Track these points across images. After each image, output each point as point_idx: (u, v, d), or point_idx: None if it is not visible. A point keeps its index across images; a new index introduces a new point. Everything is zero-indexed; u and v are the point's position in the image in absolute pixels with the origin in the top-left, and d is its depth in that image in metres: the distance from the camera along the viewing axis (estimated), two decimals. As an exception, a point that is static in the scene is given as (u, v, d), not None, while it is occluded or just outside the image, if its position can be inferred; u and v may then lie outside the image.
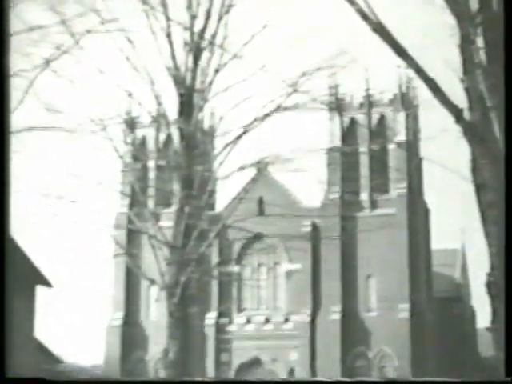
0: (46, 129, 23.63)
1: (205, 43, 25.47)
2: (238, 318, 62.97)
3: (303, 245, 57.09)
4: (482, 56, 12.85)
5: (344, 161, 61.47)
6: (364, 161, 62.39)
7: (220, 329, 62.67)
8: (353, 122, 63.27)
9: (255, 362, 61.83)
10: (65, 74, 23.38)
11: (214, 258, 50.89)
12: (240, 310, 63.41)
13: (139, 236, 54.49)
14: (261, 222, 45.18)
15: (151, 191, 38.92)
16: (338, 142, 62.41)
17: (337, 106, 59.97)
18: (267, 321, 62.38)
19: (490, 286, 13.32)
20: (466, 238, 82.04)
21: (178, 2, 25.22)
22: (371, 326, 59.60)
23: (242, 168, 27.23)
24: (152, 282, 28.38)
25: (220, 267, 59.33)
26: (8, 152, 9.76)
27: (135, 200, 34.37)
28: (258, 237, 56.28)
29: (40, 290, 32.20)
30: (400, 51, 13.13)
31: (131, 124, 29.12)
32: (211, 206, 50.98)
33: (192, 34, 25.33)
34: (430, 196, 79.41)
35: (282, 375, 60.55)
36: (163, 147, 57.23)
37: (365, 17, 13.19)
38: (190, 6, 25.16)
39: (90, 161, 37.79)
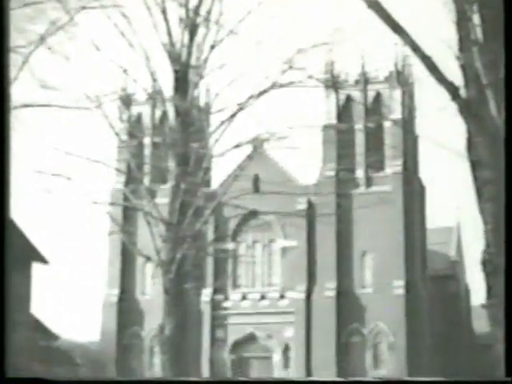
0: (40, 106, 23.57)
1: (200, 19, 25.37)
2: (234, 295, 63.16)
3: (298, 222, 57.15)
4: (478, 33, 12.81)
5: (339, 138, 61.45)
6: (360, 138, 62.36)
7: (215, 305, 62.87)
8: (348, 99, 63.17)
9: (250, 338, 62.09)
10: (60, 51, 23.29)
11: (210, 235, 50.95)
12: (235, 286, 63.59)
13: (135, 213, 54.55)
14: (256, 199, 45.14)
15: (147, 168, 38.92)
16: (333, 120, 62.35)
17: (332, 83, 59.82)
18: (262, 297, 62.58)
19: (484, 263, 13.36)
20: (461, 215, 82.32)
21: (173, -22, 25.12)
22: (366, 302, 59.83)
23: (237, 145, 27.23)
24: (148, 258, 28.40)
25: (215, 244, 59.40)
26: (8, 130, 9.74)
27: (131, 177, 34.48)
28: (253, 214, 56.29)
29: (36, 267, 32.28)
30: (396, 28, 13.09)
31: (127, 101, 29.04)
32: (207, 183, 50.90)
33: (187, 10, 25.21)
34: (426, 174, 79.48)
35: (277, 351, 60.83)
36: (159, 124, 57.01)
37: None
38: (185, -18, 25.04)
39: (85, 138, 37.75)
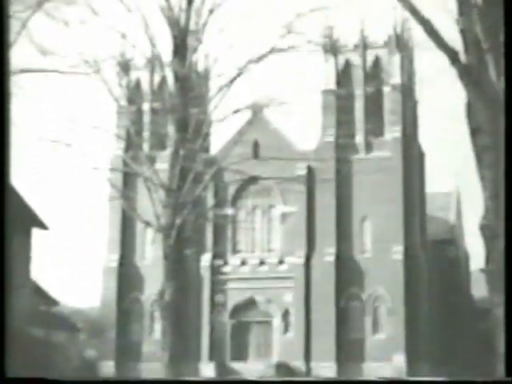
0: (39, 71, 23.48)
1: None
2: (233, 260, 63.33)
3: (298, 187, 57.13)
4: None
5: (339, 103, 61.23)
6: (359, 103, 62.16)
7: (215, 270, 63.04)
8: (347, 64, 62.87)
9: (250, 303, 62.34)
10: (58, 16, 23.16)
11: (209, 201, 50.96)
12: (235, 251, 63.74)
13: (135, 179, 54.52)
14: (256, 165, 45.14)
15: (146, 134, 38.85)
16: (332, 85, 62.11)
17: (331, 47, 59.60)
18: (262, 263, 62.75)
19: (483, 228, 13.40)
20: (460, 181, 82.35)
21: None
22: (365, 267, 60.01)
23: (236, 111, 27.19)
24: (147, 224, 28.49)
25: (215, 209, 59.49)
26: (8, 95, 9.70)
27: (130, 143, 34.41)
28: (252, 179, 56.33)
29: (36, 233, 32.34)
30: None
31: (125, 66, 28.96)
32: (206, 149, 50.88)
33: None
34: (425, 139, 79.36)
35: (277, 316, 61.13)
36: (158, 90, 56.88)
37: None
38: None
39: (84, 104, 37.63)
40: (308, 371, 58.70)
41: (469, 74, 12.88)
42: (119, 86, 27.52)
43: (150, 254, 63.15)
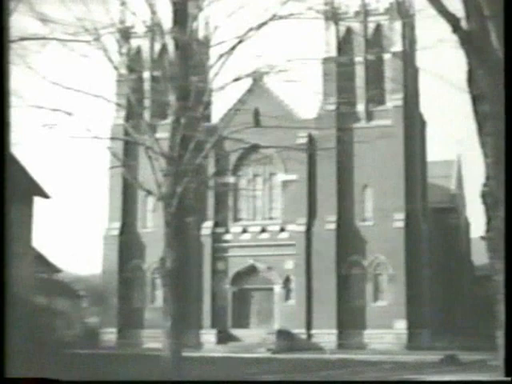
0: (39, 39, 23.38)
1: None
2: (234, 228, 63.47)
3: (299, 156, 57.05)
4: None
5: (340, 71, 60.98)
6: (360, 71, 61.92)
7: (216, 238, 63.21)
8: (349, 31, 62.56)
9: (251, 270, 62.57)
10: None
11: (210, 169, 50.79)
12: (236, 219, 63.86)
13: (136, 148, 54.52)
14: (257, 133, 44.93)
15: (147, 102, 38.73)
16: (333, 52, 61.85)
17: (332, 14, 59.18)
18: (263, 230, 62.90)
19: (484, 196, 13.42)
20: (461, 149, 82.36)
21: None
22: (366, 235, 60.14)
23: (237, 79, 27.10)
24: (149, 192, 28.53)
25: (216, 178, 59.48)
26: (7, 63, 9.70)
27: (131, 112, 34.32)
28: (253, 148, 56.22)
29: (38, 202, 32.38)
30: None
31: (125, 34, 28.83)
32: (207, 118, 50.80)
33: None
34: (427, 107, 79.12)
35: (278, 283, 61.36)
36: (158, 58, 56.66)
37: None
38: None
39: (85, 72, 37.49)
40: (309, 338, 59.04)
41: (470, 41, 12.82)
42: (119, 53, 27.42)
43: (152, 222, 63.32)
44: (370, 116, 61.40)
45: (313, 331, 59.21)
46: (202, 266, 62.64)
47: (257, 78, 32.50)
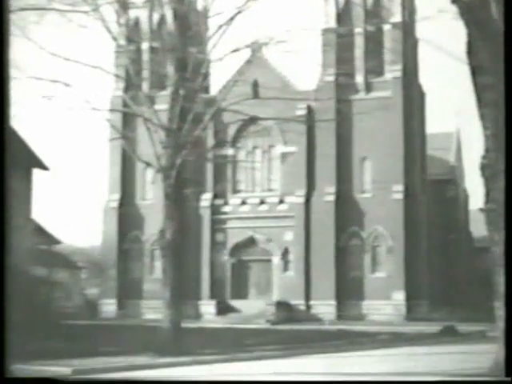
0: (37, 9, 23.27)
1: None
2: (233, 200, 63.53)
3: (298, 127, 56.94)
4: None
5: (339, 42, 60.66)
6: (359, 42, 61.64)
7: (215, 210, 63.30)
8: (348, 2, 62.20)
9: (250, 242, 62.72)
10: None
11: (209, 141, 50.67)
12: (235, 191, 63.90)
13: (134, 119, 54.36)
14: (256, 105, 44.63)
15: (145, 73, 38.55)
16: (332, 23, 61.55)
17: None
18: (262, 202, 62.94)
19: (483, 168, 13.42)
20: (461, 121, 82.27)
21: None
22: (365, 206, 60.19)
23: (235, 50, 26.97)
24: (148, 164, 28.50)
25: (215, 150, 59.41)
26: (7, 34, 9.65)
27: (130, 83, 34.16)
28: (252, 119, 56.07)
29: (37, 174, 32.40)
30: None
31: (124, 4, 28.63)
32: (206, 89, 50.61)
33: None
34: (426, 79, 78.88)
35: (277, 254, 61.50)
36: (157, 28, 56.38)
37: None
38: None
39: (83, 43, 37.33)
40: (308, 309, 59.29)
41: (470, 12, 12.76)
42: (118, 24, 27.25)
43: (151, 194, 63.36)
44: (369, 87, 61.24)
45: (311, 302, 59.45)
46: (201, 237, 62.78)
47: (256, 49, 32.33)
